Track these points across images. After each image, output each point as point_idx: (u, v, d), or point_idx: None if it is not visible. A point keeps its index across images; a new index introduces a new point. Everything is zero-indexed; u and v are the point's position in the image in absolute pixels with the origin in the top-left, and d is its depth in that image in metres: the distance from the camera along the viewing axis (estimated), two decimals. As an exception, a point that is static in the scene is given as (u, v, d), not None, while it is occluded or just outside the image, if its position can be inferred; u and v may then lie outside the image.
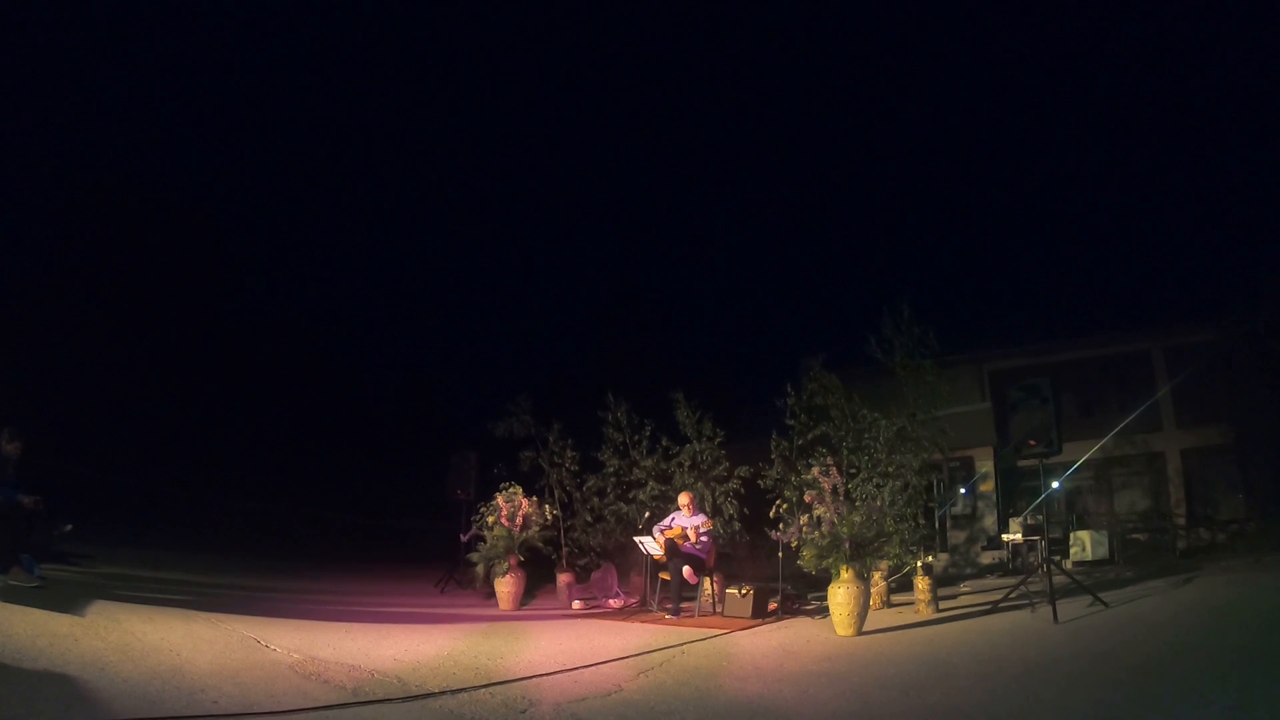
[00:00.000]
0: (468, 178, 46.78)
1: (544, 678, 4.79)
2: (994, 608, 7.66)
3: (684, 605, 8.08)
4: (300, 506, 17.74)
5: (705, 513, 9.11)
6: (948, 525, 15.03)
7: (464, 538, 9.46)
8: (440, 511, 11.43)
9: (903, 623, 7.29)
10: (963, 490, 15.99)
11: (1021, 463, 13.45)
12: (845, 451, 9.15)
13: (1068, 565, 11.64)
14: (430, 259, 42.74)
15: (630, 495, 10.24)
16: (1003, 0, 43.16)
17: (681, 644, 6.20)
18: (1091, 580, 8.62)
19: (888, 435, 9.07)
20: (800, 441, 9.54)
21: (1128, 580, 9.47)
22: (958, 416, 11.35)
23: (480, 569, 8.84)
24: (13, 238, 16.38)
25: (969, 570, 13.61)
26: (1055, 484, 14.81)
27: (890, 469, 8.84)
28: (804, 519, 7.05)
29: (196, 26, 30.29)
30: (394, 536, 18.81)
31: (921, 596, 8.02)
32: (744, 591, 7.93)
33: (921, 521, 9.10)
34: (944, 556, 13.69)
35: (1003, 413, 10.93)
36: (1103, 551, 13.15)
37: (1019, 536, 13.44)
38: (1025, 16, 41.99)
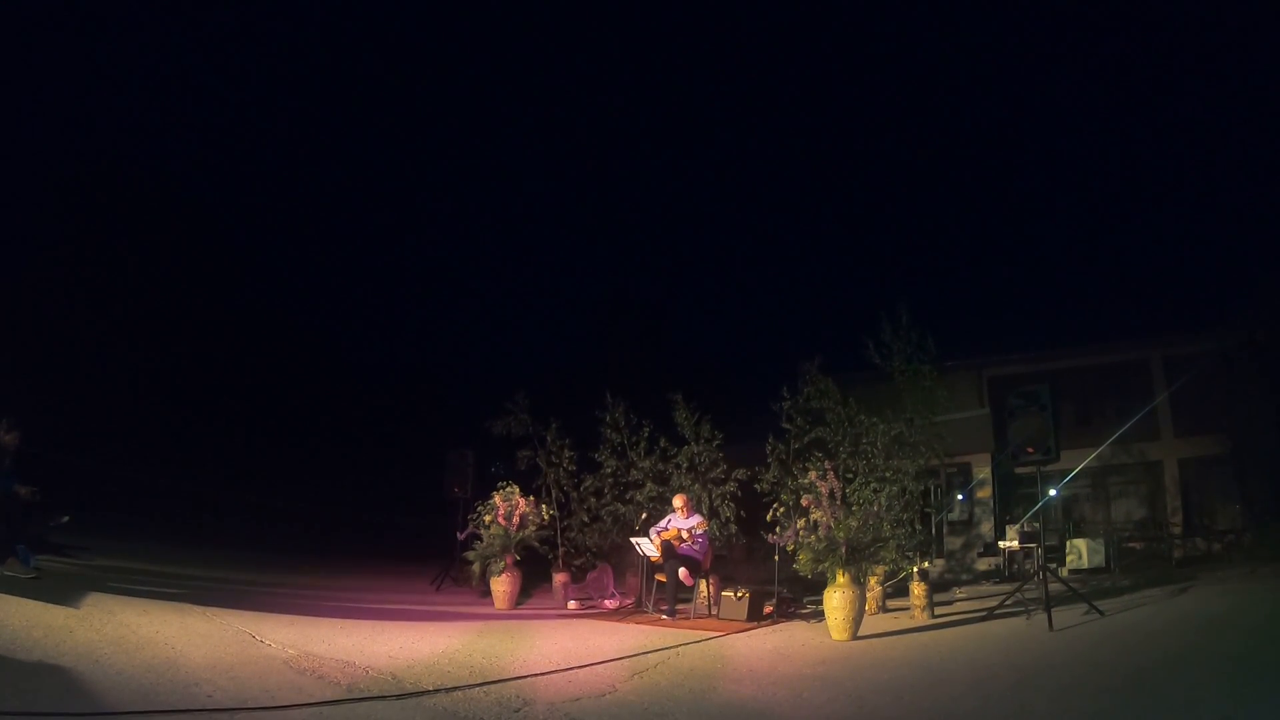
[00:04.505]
0: (468, 176, 46.80)
1: (539, 677, 4.79)
2: (989, 614, 7.66)
3: (679, 607, 8.09)
4: (296, 502, 17.72)
5: (702, 514, 9.11)
6: (944, 531, 15.04)
7: (460, 536, 9.45)
8: (437, 509, 11.43)
9: (898, 628, 7.29)
10: (960, 496, 16.01)
11: (1019, 469, 13.43)
12: (842, 455, 9.17)
13: (1064, 573, 11.63)
14: (429, 255, 42.71)
15: (627, 496, 10.24)
16: (1003, 2, 43.21)
17: (676, 646, 6.21)
18: (1087, 588, 8.61)
19: (885, 440, 9.09)
20: (797, 445, 9.56)
21: (1123, 589, 9.47)
22: (955, 422, 11.37)
23: (476, 567, 8.84)
24: (13, 230, 16.37)
25: (965, 576, 13.62)
26: (1052, 491, 14.79)
27: (887, 474, 8.87)
28: (800, 522, 7.05)
29: (197, 22, 30.30)
30: (390, 533, 18.79)
31: (917, 602, 8.02)
32: (740, 594, 7.93)
33: (918, 527, 9.12)
34: (940, 562, 13.69)
35: (1001, 419, 10.91)
36: (1099, 560, 13.14)
37: (1015, 543, 13.44)
38: (1026, 18, 42.06)
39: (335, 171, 39.55)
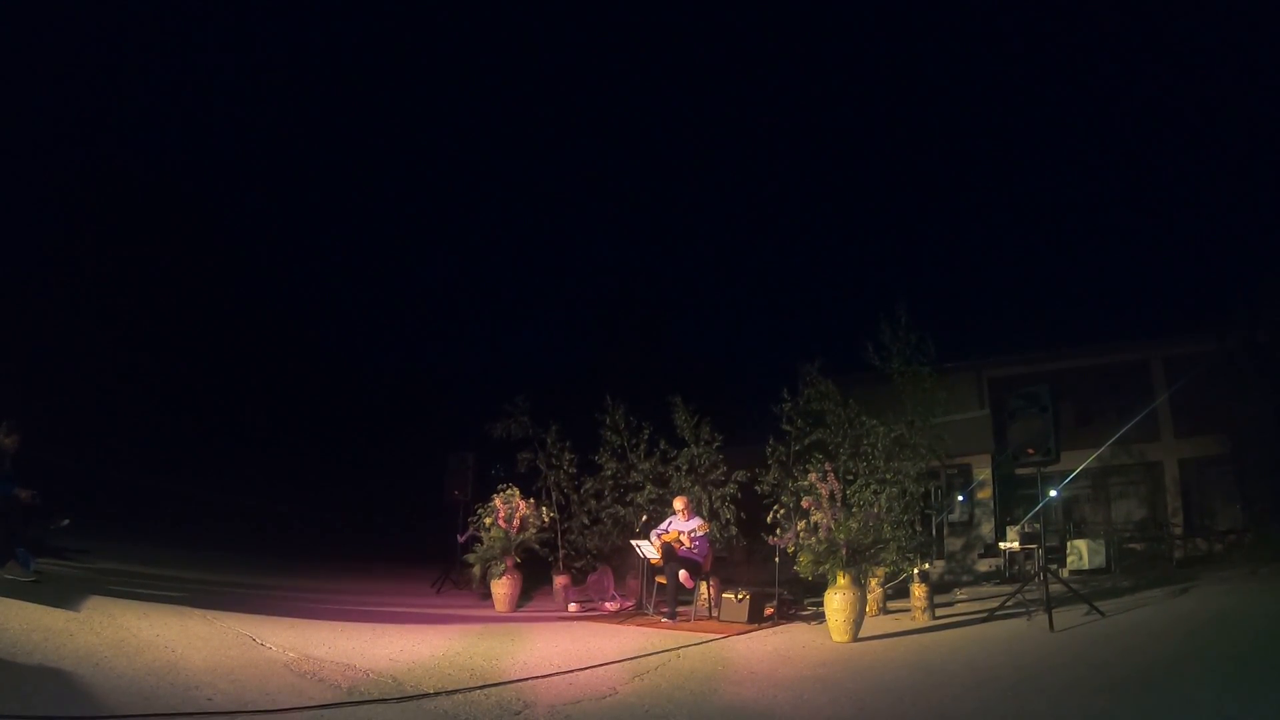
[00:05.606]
0: (468, 177, 46.81)
1: (539, 680, 4.79)
2: (990, 615, 7.66)
3: (680, 609, 8.08)
4: (297, 504, 17.73)
5: (702, 516, 9.11)
6: (945, 532, 15.04)
7: (461, 538, 9.46)
8: (437, 512, 11.44)
9: (899, 629, 7.29)
10: (960, 498, 16.01)
11: (1019, 470, 13.44)
12: (842, 457, 9.18)
13: (1064, 574, 11.64)
14: (430, 258, 42.71)
15: (628, 498, 10.24)
16: (1002, 2, 43.26)
17: (677, 648, 6.21)
18: (1088, 589, 8.61)
19: (885, 442, 9.10)
20: (797, 447, 9.57)
21: (1124, 589, 9.47)
22: (955, 424, 11.38)
23: (477, 570, 8.84)
24: (11, 231, 16.37)
25: (965, 578, 13.61)
26: (1053, 492, 14.81)
27: (888, 475, 8.87)
28: (801, 524, 7.05)
29: (197, 22, 30.32)
30: (390, 536, 18.79)
31: (918, 603, 8.02)
32: (740, 596, 7.92)
33: (919, 528, 9.13)
34: (940, 563, 13.69)
35: (1001, 420, 10.94)
36: (1099, 560, 13.15)
37: (1016, 544, 13.45)
38: (1025, 18, 42.08)
39: (335, 174, 39.53)
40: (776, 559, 7.85)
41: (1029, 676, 4.98)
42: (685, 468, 10.09)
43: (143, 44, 28.21)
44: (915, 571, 8.24)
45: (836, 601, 6.59)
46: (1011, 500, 16.03)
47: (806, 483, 7.32)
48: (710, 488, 9.96)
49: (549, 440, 10.37)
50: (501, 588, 8.64)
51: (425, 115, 44.55)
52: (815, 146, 50.69)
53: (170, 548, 10.56)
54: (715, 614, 8.18)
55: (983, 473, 16.21)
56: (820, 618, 7.27)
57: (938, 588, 9.70)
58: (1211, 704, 3.99)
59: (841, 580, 6.61)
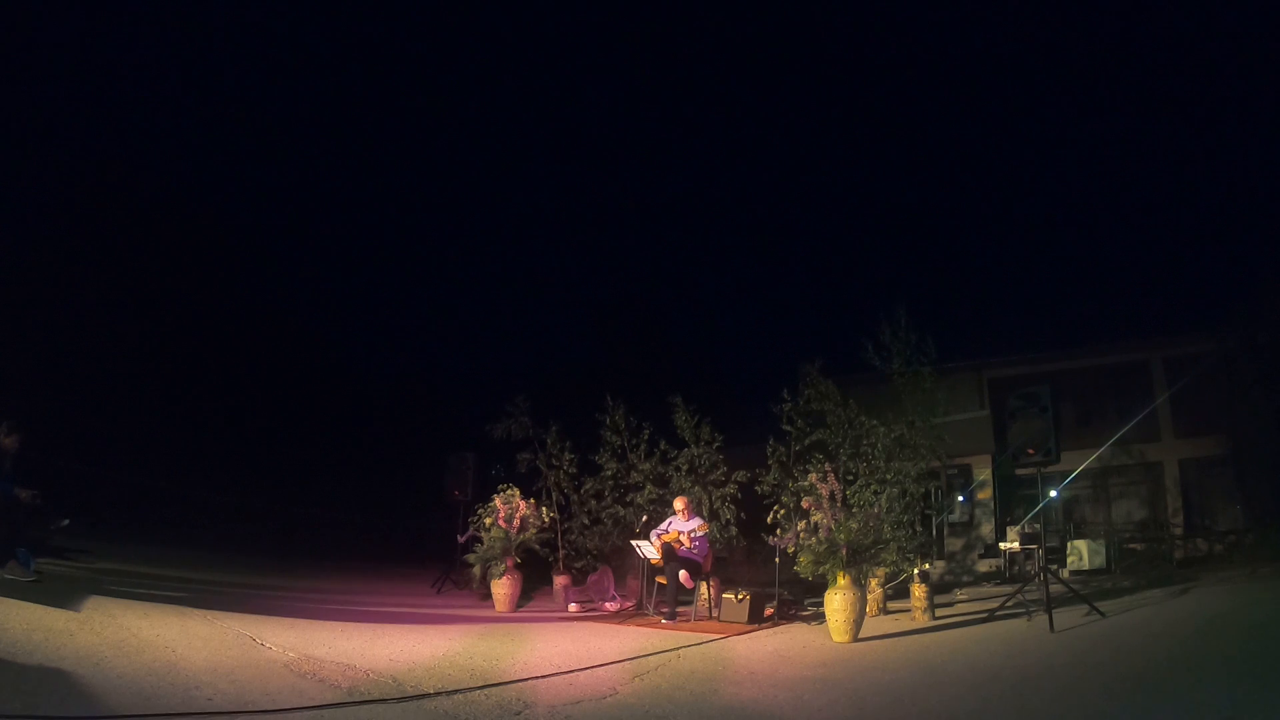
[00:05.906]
0: (469, 178, 46.83)
1: (539, 680, 4.79)
2: (990, 616, 7.66)
3: (680, 609, 8.08)
4: (297, 505, 17.72)
5: (702, 517, 9.11)
6: (945, 532, 15.05)
7: (461, 539, 9.47)
8: (437, 512, 11.44)
9: (899, 630, 7.28)
10: (960, 498, 16.01)
11: (1019, 471, 13.45)
12: (843, 457, 9.17)
13: (1064, 574, 11.64)
14: (430, 259, 42.75)
15: (628, 499, 10.24)
16: (1003, 4, 43.26)
17: (677, 648, 6.20)
18: (1088, 589, 8.61)
19: (886, 442, 9.09)
20: (797, 447, 9.57)
21: (1124, 590, 9.47)
22: (956, 424, 11.38)
23: (477, 570, 8.84)
24: (13, 231, 16.37)
25: (966, 578, 13.62)
26: (1053, 493, 14.82)
27: (888, 476, 8.87)
28: (801, 525, 7.05)
29: (199, 22, 30.33)
30: (391, 536, 18.79)
31: (918, 604, 8.02)
32: (740, 596, 7.92)
33: (919, 529, 9.11)
34: (941, 564, 13.69)
35: (1001, 421, 10.92)
36: (1100, 561, 13.15)
37: (1016, 545, 13.45)
38: (1026, 20, 42.09)
39: (336, 174, 39.59)
40: (777, 559, 7.86)
41: (1029, 677, 4.98)
42: (685, 468, 10.09)
43: (146, 44, 28.24)
44: (915, 572, 8.24)
45: (837, 602, 6.59)
46: (1011, 500, 16.03)
47: (807, 483, 7.31)
48: (710, 488, 9.96)
49: (549, 440, 10.37)
50: (502, 588, 8.64)
51: (428, 116, 44.58)
52: (816, 146, 50.75)
53: (171, 548, 10.57)
54: (715, 614, 8.17)
55: (983, 473, 16.22)
56: (820, 618, 7.27)
57: (938, 588, 9.71)
58: (1212, 704, 3.99)
59: (842, 580, 6.61)
